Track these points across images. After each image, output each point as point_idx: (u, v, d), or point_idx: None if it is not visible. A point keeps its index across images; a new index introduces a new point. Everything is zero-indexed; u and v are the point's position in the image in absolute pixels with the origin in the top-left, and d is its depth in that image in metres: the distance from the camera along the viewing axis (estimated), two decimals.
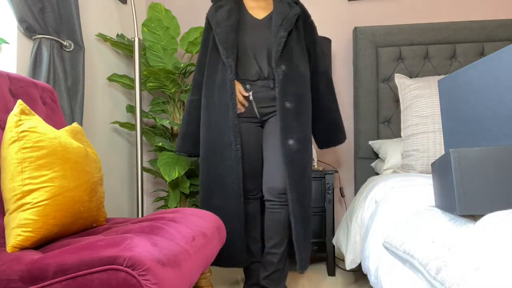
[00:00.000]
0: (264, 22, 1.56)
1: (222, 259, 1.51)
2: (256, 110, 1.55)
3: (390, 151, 1.95)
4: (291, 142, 1.44)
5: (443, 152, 1.71)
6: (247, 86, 1.54)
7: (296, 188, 1.43)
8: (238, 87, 1.52)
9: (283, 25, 1.50)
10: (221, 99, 1.50)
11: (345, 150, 2.41)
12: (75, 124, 1.24)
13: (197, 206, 2.30)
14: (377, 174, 2.15)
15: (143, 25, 2.16)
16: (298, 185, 1.44)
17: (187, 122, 1.65)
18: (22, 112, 0.96)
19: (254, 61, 1.53)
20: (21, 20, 1.46)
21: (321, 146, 1.77)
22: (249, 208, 1.59)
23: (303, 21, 1.61)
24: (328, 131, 1.72)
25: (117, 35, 2.18)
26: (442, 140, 1.61)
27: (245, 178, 1.54)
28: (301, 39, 1.58)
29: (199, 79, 1.64)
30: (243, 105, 1.54)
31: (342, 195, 2.28)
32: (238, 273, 1.97)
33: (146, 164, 2.56)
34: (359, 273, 1.95)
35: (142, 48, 2.20)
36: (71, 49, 1.67)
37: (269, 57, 1.52)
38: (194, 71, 1.67)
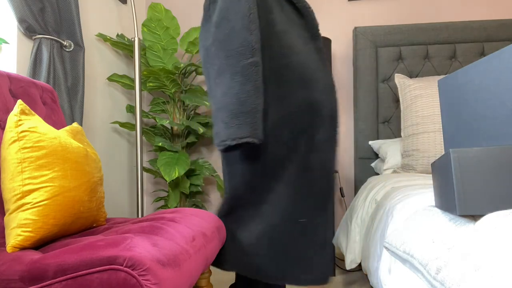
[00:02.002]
0: None
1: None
2: None
3: (390, 151, 1.95)
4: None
5: (443, 152, 1.71)
6: None
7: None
8: None
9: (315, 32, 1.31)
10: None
11: (345, 150, 2.41)
12: (75, 124, 1.24)
13: (197, 206, 2.30)
14: (377, 174, 2.15)
15: (143, 25, 2.16)
16: None
17: (257, 94, 1.09)
18: (22, 112, 0.96)
19: None
20: (21, 20, 1.46)
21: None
22: None
23: None
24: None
25: (117, 35, 2.18)
26: (442, 140, 1.61)
27: None
28: None
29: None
30: None
31: (342, 195, 2.28)
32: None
33: (146, 164, 2.56)
34: (359, 273, 1.95)
35: (142, 48, 2.20)
36: (71, 49, 1.67)
37: None
38: (242, 27, 1.10)
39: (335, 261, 1.94)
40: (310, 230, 1.18)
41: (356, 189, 2.24)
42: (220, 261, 1.30)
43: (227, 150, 1.09)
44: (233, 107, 1.04)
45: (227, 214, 1.30)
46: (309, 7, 1.28)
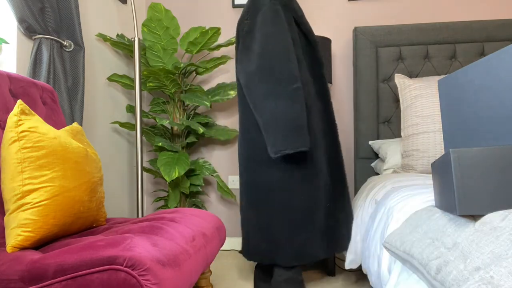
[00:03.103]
0: None
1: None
2: None
3: (390, 151, 1.95)
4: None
5: (443, 152, 1.71)
6: None
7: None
8: None
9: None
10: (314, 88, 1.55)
11: (345, 150, 2.41)
12: (75, 124, 1.24)
13: (197, 206, 2.30)
14: (377, 174, 2.15)
15: (143, 25, 2.16)
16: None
17: (302, 113, 1.38)
18: (22, 112, 0.96)
19: None
20: (21, 20, 1.46)
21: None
22: None
23: None
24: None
25: (117, 35, 2.18)
26: (442, 140, 1.61)
27: None
28: None
29: (294, 66, 1.41)
30: None
31: None
32: (238, 273, 1.97)
33: (146, 164, 2.56)
34: (359, 273, 1.95)
35: (142, 48, 2.20)
36: (71, 49, 1.67)
37: None
38: (286, 59, 1.38)
39: (335, 261, 1.94)
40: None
41: (356, 189, 2.24)
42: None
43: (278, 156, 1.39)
44: (289, 123, 1.33)
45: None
46: (317, 40, 1.57)
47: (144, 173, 2.56)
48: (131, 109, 2.30)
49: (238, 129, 2.48)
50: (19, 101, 0.97)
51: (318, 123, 1.53)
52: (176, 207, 2.17)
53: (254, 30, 1.42)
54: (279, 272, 1.50)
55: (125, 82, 2.14)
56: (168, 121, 2.03)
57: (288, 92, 1.35)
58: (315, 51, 1.56)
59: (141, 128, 1.96)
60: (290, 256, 1.45)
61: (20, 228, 0.90)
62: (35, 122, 0.98)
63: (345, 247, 1.55)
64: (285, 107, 1.33)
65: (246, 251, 1.54)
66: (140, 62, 1.96)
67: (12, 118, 0.95)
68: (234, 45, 1.61)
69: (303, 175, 1.47)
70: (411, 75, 2.19)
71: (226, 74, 2.52)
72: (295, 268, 1.51)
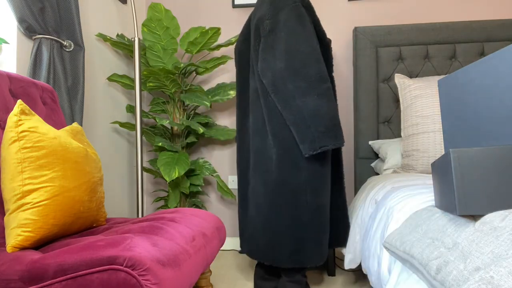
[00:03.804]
0: None
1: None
2: None
3: (390, 151, 1.95)
4: None
5: (443, 152, 1.71)
6: None
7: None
8: None
9: None
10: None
11: (345, 150, 2.41)
12: (75, 124, 1.24)
13: (197, 206, 2.30)
14: (377, 174, 2.15)
15: (143, 25, 2.16)
16: None
17: (335, 113, 1.42)
18: (22, 112, 0.96)
19: None
20: (21, 20, 1.46)
21: None
22: None
23: None
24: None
25: (117, 35, 2.18)
26: (442, 140, 1.61)
27: None
28: None
29: (324, 68, 1.44)
30: None
31: None
32: (238, 273, 1.97)
33: (146, 164, 2.56)
34: (359, 273, 1.95)
35: (142, 48, 2.20)
36: (71, 49, 1.67)
37: None
38: (316, 60, 1.42)
39: (335, 261, 1.94)
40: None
41: (356, 189, 2.24)
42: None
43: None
44: (329, 120, 1.38)
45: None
46: (329, 44, 1.61)
47: (144, 173, 2.56)
48: (131, 109, 2.30)
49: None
50: (19, 101, 0.97)
51: None
52: (176, 207, 2.17)
53: (277, 29, 1.42)
54: (290, 273, 1.51)
55: (125, 82, 2.14)
56: (168, 121, 2.03)
57: (323, 90, 1.38)
58: (327, 53, 1.60)
59: (141, 128, 1.96)
60: (317, 257, 1.46)
61: (20, 228, 0.90)
62: (35, 122, 0.98)
63: (341, 243, 1.60)
64: (324, 104, 1.37)
65: (267, 254, 1.48)
66: (140, 62, 1.96)
67: (12, 118, 0.95)
68: (251, 46, 1.56)
69: (329, 176, 1.52)
70: (411, 75, 2.19)
71: (226, 74, 2.52)
72: (304, 269, 1.52)
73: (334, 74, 2.42)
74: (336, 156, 1.65)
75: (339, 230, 1.61)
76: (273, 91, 1.43)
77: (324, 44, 1.58)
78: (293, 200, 1.45)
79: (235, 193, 2.49)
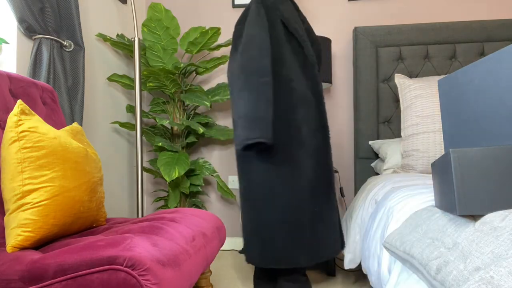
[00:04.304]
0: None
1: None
2: None
3: (390, 151, 1.95)
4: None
5: (443, 152, 1.71)
6: None
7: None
8: None
9: (305, 23, 1.68)
10: (308, 89, 1.54)
11: (345, 150, 2.41)
12: (75, 124, 1.24)
13: (197, 206, 2.30)
14: (377, 174, 2.15)
15: (143, 25, 2.16)
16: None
17: (265, 105, 1.38)
18: (22, 112, 0.96)
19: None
20: (21, 20, 1.46)
21: None
22: None
23: None
24: None
25: (117, 35, 2.18)
26: (442, 140, 1.61)
27: None
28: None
29: (267, 62, 1.45)
30: None
31: (342, 195, 2.28)
32: (238, 273, 1.97)
33: (146, 164, 2.56)
34: (359, 273, 1.95)
35: (142, 48, 2.20)
36: (71, 49, 1.67)
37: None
38: (260, 54, 1.44)
39: (335, 261, 1.94)
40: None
41: (356, 189, 2.24)
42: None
43: (245, 150, 1.39)
44: (250, 115, 1.34)
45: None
46: (307, 40, 1.59)
47: (144, 173, 2.56)
48: (131, 109, 2.30)
49: None
50: (19, 101, 0.97)
51: (307, 123, 1.50)
52: (176, 207, 2.17)
53: (243, 34, 1.50)
54: (286, 272, 1.51)
55: (125, 82, 2.14)
56: (168, 121, 2.03)
57: (255, 85, 1.38)
58: (305, 51, 1.57)
59: (141, 128, 1.96)
60: (268, 258, 1.43)
61: (20, 228, 0.90)
62: (35, 122, 0.98)
63: (334, 253, 1.48)
64: (249, 100, 1.36)
65: (246, 255, 1.52)
66: (140, 62, 1.96)
67: (12, 118, 0.95)
68: None
69: (284, 175, 1.44)
70: (411, 75, 2.19)
71: (226, 74, 2.52)
72: (297, 269, 1.51)
73: (334, 74, 2.42)
74: (324, 160, 1.53)
75: (330, 240, 1.49)
76: (229, 89, 1.49)
77: (300, 41, 1.57)
78: (255, 202, 1.46)
79: (235, 193, 2.49)
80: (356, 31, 2.24)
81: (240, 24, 1.55)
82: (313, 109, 1.53)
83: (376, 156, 2.21)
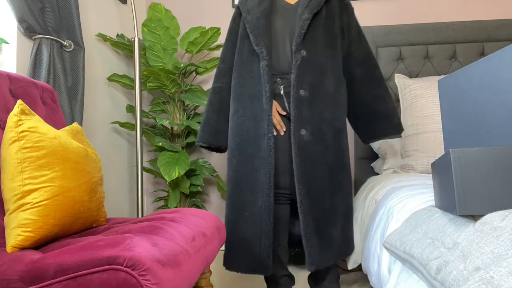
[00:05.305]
0: (296, 6, 1.46)
1: (240, 261, 1.41)
2: (286, 105, 1.43)
3: (390, 151, 1.95)
4: (303, 132, 1.35)
5: (443, 152, 1.71)
6: (278, 80, 1.44)
7: (306, 179, 1.34)
8: (276, 106, 1.43)
9: (309, 6, 1.39)
10: (254, 88, 1.42)
11: None
12: (75, 124, 1.24)
13: (197, 206, 2.30)
14: (377, 174, 2.15)
15: (143, 25, 2.16)
16: (310, 177, 1.35)
17: (207, 110, 1.57)
18: (22, 112, 0.96)
19: (285, 50, 1.44)
20: (21, 20, 1.46)
21: (362, 138, 1.62)
22: (280, 210, 1.44)
23: (339, 2, 1.50)
24: (366, 121, 1.55)
25: (117, 35, 2.18)
26: (442, 140, 1.61)
27: (276, 174, 1.41)
28: (333, 23, 1.46)
29: (222, 66, 1.57)
30: (281, 126, 1.42)
31: None
32: (238, 273, 1.97)
33: (146, 164, 2.56)
34: (359, 273, 1.95)
35: (142, 48, 2.20)
36: (71, 49, 1.67)
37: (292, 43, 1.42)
38: (219, 60, 1.61)
39: None
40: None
41: (356, 189, 2.24)
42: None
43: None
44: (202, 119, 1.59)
45: None
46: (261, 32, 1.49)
47: (144, 173, 2.56)
48: (131, 109, 2.30)
49: None
50: (19, 101, 0.97)
51: (251, 126, 1.43)
52: (176, 207, 2.17)
53: None
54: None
55: (125, 82, 2.14)
56: (168, 121, 2.03)
57: (211, 89, 1.59)
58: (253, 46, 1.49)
59: (141, 128, 1.96)
60: (229, 262, 1.48)
61: (20, 228, 0.90)
62: (35, 122, 0.98)
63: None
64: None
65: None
66: (140, 62, 1.96)
67: (12, 118, 0.95)
68: None
69: (230, 179, 1.48)
70: (411, 75, 2.19)
71: None
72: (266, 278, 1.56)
73: None
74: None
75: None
76: None
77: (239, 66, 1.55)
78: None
79: None
80: None
81: None
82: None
83: (376, 156, 2.21)
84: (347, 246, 1.45)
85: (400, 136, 1.59)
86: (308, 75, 1.38)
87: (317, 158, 1.37)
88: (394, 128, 1.53)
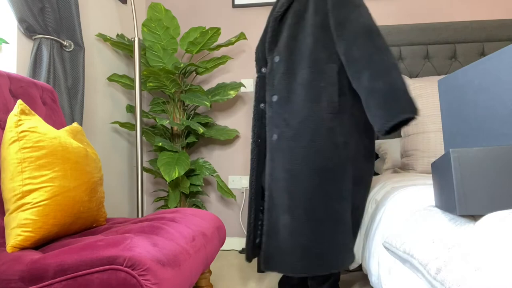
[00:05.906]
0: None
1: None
2: None
3: (390, 151, 1.95)
4: (274, 137, 1.34)
5: (443, 152, 1.71)
6: None
7: (272, 185, 1.32)
8: None
9: (273, 14, 1.39)
10: None
11: None
12: (75, 124, 1.24)
13: (197, 206, 2.30)
14: (377, 174, 2.15)
15: (143, 25, 2.16)
16: (278, 183, 1.30)
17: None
18: (22, 112, 0.96)
19: None
20: (21, 20, 1.46)
21: (377, 129, 1.24)
22: None
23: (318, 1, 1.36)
24: (372, 113, 1.24)
25: (117, 35, 2.18)
26: (442, 140, 1.61)
27: None
28: (311, 22, 1.34)
29: None
30: None
31: None
32: (238, 273, 1.97)
33: (146, 164, 2.56)
34: (359, 273, 1.95)
35: (142, 48, 2.20)
36: (71, 49, 1.67)
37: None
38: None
39: None
40: None
41: None
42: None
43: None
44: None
45: None
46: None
47: (144, 173, 2.56)
48: (131, 109, 2.30)
49: (238, 130, 2.48)
50: (19, 101, 0.97)
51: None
52: (176, 207, 2.17)
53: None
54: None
55: (125, 82, 2.14)
56: (168, 121, 2.03)
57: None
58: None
59: (141, 128, 1.96)
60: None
61: (20, 228, 0.90)
62: (35, 122, 0.98)
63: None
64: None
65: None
66: (140, 62, 1.96)
67: (12, 118, 0.95)
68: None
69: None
70: (411, 75, 2.19)
71: (226, 74, 2.52)
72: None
73: None
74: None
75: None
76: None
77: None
78: None
79: (235, 193, 2.49)
80: None
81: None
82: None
83: (376, 156, 2.21)
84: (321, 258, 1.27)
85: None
86: (279, 79, 1.39)
87: (282, 161, 1.32)
88: (403, 111, 1.20)
